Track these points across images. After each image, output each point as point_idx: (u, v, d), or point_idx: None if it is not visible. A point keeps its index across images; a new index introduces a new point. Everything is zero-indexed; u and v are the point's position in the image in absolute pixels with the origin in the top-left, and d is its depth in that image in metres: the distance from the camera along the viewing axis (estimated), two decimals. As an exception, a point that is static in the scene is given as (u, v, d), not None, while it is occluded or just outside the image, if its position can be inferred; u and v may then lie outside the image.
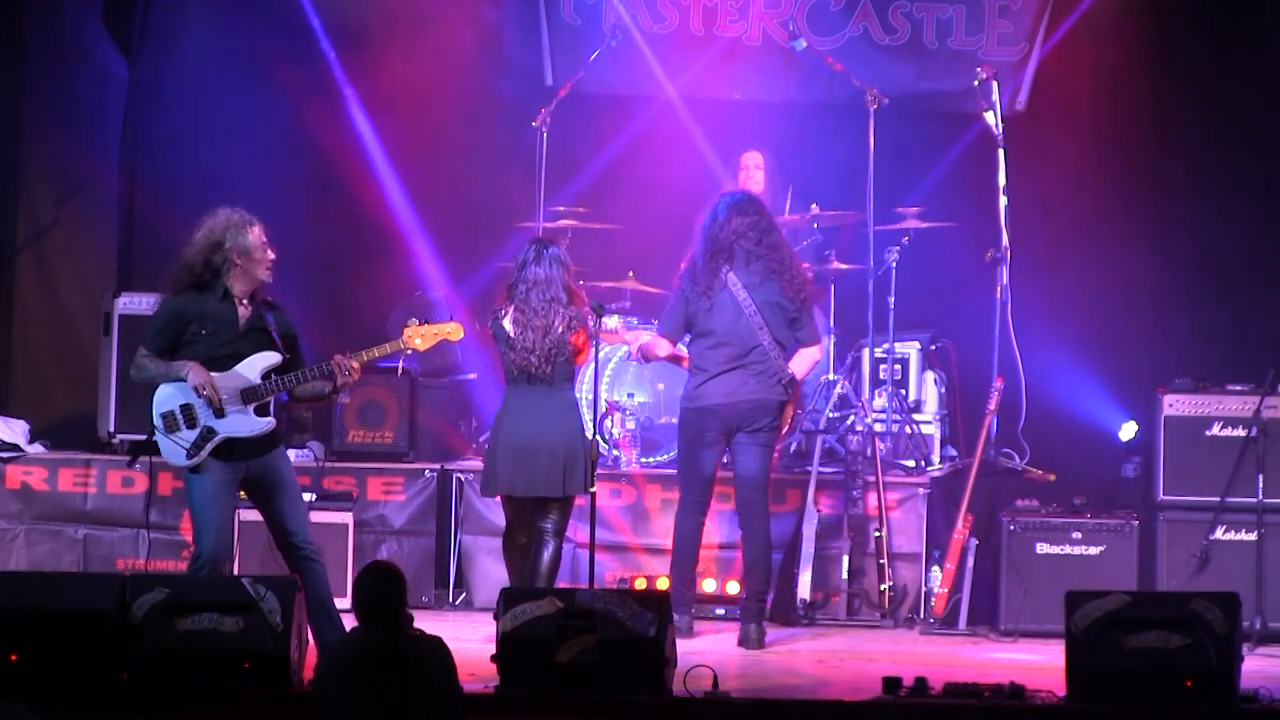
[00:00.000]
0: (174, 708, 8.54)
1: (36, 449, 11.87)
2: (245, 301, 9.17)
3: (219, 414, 9.07)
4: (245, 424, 9.09)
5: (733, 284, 10.49)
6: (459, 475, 11.77)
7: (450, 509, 11.75)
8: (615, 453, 11.82)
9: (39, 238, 12.80)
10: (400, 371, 10.85)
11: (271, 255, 9.18)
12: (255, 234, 9.15)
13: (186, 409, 9.07)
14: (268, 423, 9.13)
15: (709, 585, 11.37)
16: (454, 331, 9.51)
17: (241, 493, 9.29)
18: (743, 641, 10.58)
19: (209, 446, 9.06)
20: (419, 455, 11.95)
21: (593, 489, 9.92)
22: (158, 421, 9.09)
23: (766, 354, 10.45)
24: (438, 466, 11.83)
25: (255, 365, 9.12)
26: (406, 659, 7.20)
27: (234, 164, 12.66)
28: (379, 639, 7.25)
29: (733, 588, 11.42)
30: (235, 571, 10.55)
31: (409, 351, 9.48)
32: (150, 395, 9.15)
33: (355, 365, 9.20)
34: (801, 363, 10.60)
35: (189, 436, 9.06)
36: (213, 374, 9.06)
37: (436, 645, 7.33)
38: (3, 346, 12.70)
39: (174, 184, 12.82)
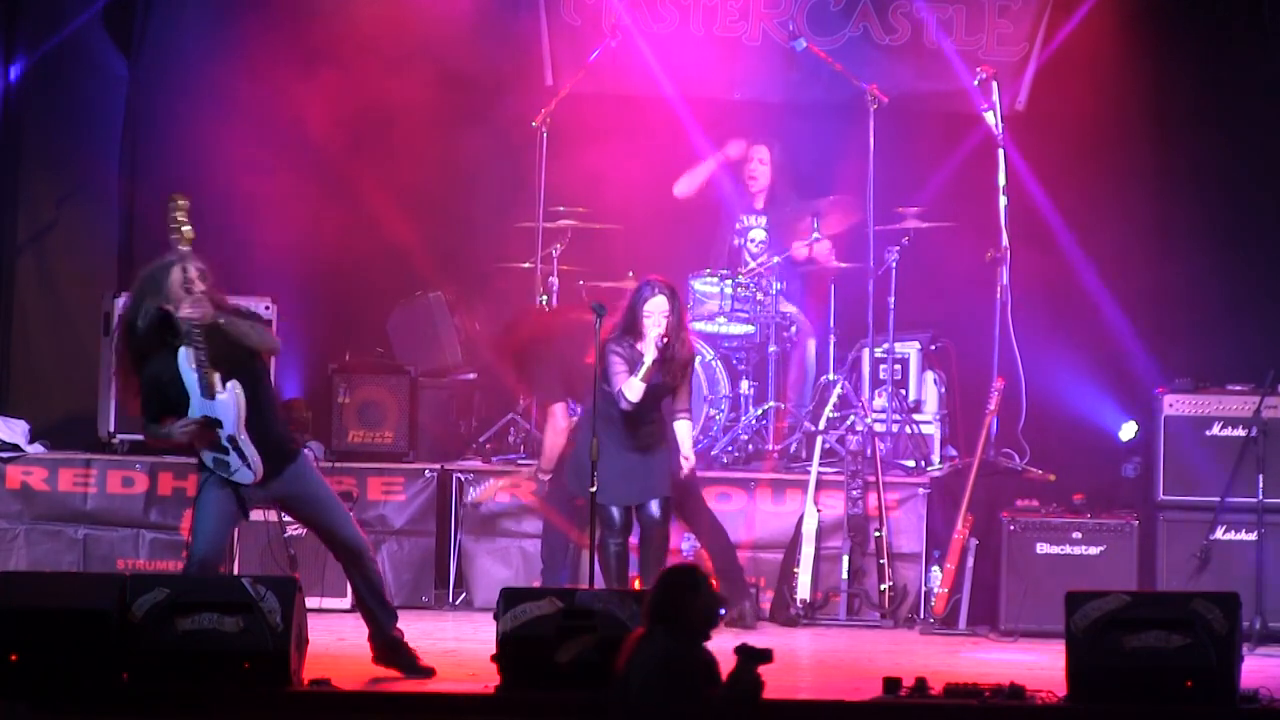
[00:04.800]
0: (174, 708, 8.54)
1: (36, 449, 11.87)
2: (197, 342, 9.02)
3: (219, 425, 9.06)
4: (226, 409, 8.96)
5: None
6: (459, 475, 11.78)
7: (450, 509, 11.76)
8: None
9: (39, 238, 12.80)
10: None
11: (197, 288, 8.95)
12: (175, 274, 8.99)
13: (215, 446, 9.03)
14: (229, 387, 8.92)
15: (709, 585, 11.36)
16: (177, 202, 9.22)
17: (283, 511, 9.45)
18: (736, 621, 10.87)
19: (246, 447, 9.00)
20: (419, 455, 11.95)
21: (593, 489, 9.92)
22: (219, 471, 9.08)
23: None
24: (438, 466, 11.83)
25: (187, 369, 8.97)
26: (662, 659, 7.20)
27: (234, 164, 12.66)
28: (652, 637, 7.26)
29: (733, 588, 11.44)
30: (235, 572, 10.57)
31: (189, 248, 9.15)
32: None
33: (195, 291, 8.94)
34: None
35: (235, 460, 9.04)
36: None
37: (707, 660, 7.31)
38: (3, 346, 12.71)
39: (174, 184, 12.82)
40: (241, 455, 9.00)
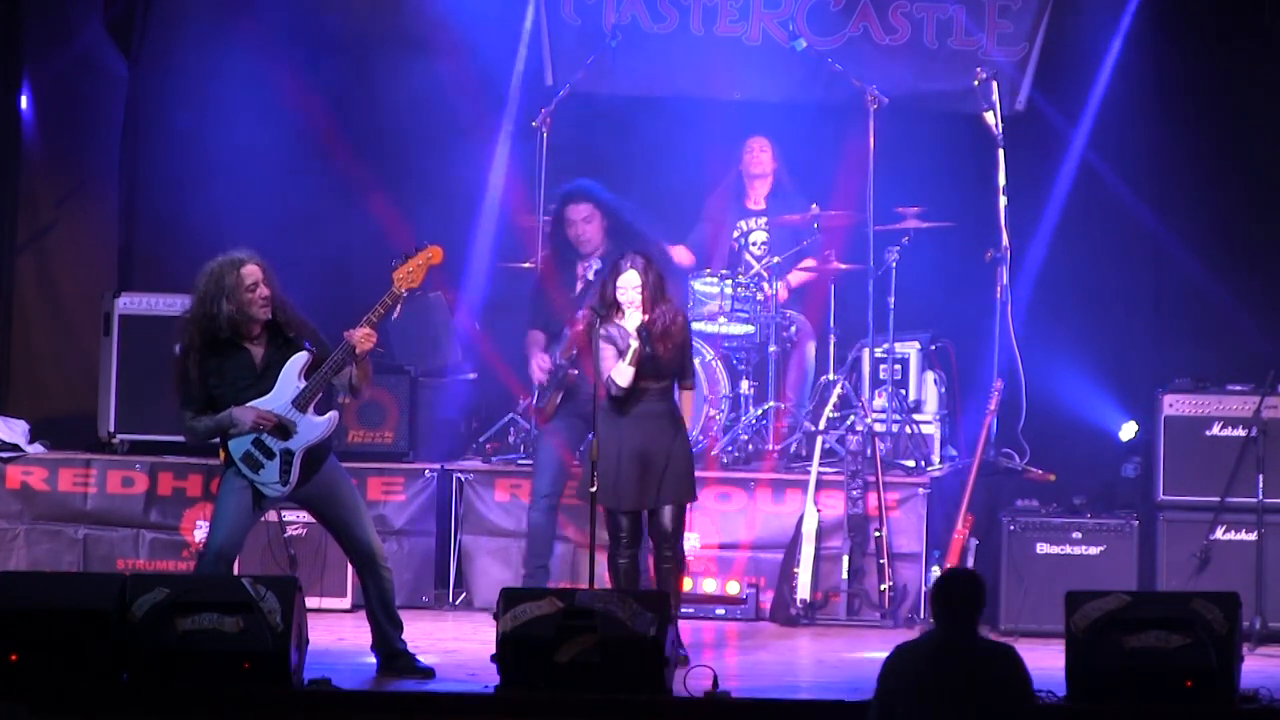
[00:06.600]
0: (174, 708, 8.55)
1: (36, 449, 11.87)
2: (255, 340, 9.17)
3: (287, 435, 9.10)
4: (313, 429, 9.13)
5: None
6: (459, 475, 11.78)
7: (450, 509, 11.76)
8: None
9: (39, 238, 12.80)
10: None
11: (263, 292, 9.10)
12: (237, 276, 9.08)
13: (259, 444, 9.11)
14: (330, 418, 9.18)
15: (709, 585, 11.38)
16: (435, 255, 9.45)
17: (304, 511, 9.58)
18: None
19: (296, 465, 9.11)
20: (419, 455, 11.95)
21: (593, 489, 9.91)
22: (243, 469, 9.13)
23: None
24: (438, 466, 11.83)
25: (292, 372, 9.13)
26: (975, 665, 7.11)
27: (234, 164, 12.66)
28: (948, 643, 7.17)
29: (733, 587, 11.44)
30: (235, 571, 10.57)
31: (406, 294, 9.41)
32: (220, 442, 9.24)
33: (366, 330, 9.16)
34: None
35: (274, 469, 9.11)
36: (259, 403, 9.09)
37: (1007, 654, 7.18)
38: (3, 346, 12.70)
39: (174, 184, 12.83)
40: (285, 470, 9.05)
